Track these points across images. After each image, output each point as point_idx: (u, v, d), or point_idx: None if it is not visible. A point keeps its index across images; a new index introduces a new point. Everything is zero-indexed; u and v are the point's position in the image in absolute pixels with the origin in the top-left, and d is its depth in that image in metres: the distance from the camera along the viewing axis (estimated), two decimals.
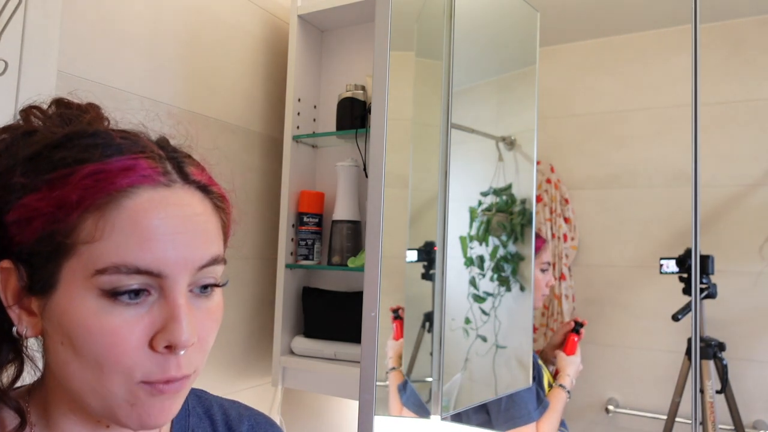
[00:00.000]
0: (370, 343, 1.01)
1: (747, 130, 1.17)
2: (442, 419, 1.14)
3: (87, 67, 1.19)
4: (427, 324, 1.20)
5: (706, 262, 1.12)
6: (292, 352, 1.61)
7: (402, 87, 1.19)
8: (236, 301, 1.61)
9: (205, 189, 0.49)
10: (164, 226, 0.43)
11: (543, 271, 1.27)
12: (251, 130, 1.66)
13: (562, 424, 1.19)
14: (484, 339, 1.22)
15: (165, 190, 0.45)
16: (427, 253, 1.20)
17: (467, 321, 1.20)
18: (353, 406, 1.63)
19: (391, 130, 1.10)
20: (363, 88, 1.61)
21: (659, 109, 1.26)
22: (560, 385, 1.21)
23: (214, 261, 0.47)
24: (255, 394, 1.67)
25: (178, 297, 0.44)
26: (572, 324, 1.25)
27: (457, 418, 1.18)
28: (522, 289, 1.27)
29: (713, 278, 1.12)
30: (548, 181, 1.36)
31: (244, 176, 1.64)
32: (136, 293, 0.43)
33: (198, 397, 0.62)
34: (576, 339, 1.23)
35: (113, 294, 0.42)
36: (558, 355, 1.23)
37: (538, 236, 1.30)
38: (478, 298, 1.21)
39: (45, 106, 0.51)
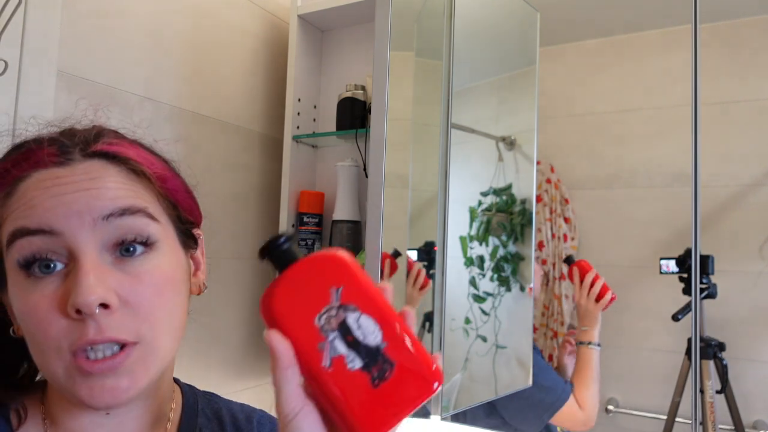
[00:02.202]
0: None
1: (747, 130, 1.17)
2: (442, 419, 1.14)
3: (87, 67, 1.19)
4: (427, 324, 1.19)
5: (706, 262, 1.12)
6: None
7: (402, 87, 1.19)
8: (236, 301, 1.61)
9: (111, 156, 0.48)
10: (49, 191, 0.45)
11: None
12: (251, 130, 1.66)
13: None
14: (484, 339, 1.22)
15: (58, 168, 0.46)
16: (427, 253, 1.20)
17: (467, 321, 1.20)
18: None
19: (391, 130, 1.10)
20: (363, 88, 1.61)
21: (659, 109, 1.26)
22: (588, 344, 1.17)
23: (125, 211, 0.46)
24: (255, 394, 1.67)
25: (83, 259, 0.43)
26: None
27: (457, 418, 1.18)
28: (522, 289, 1.27)
29: (713, 278, 1.12)
30: (548, 181, 1.36)
31: (244, 176, 1.64)
32: (48, 265, 0.44)
33: (208, 399, 0.62)
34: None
35: (27, 266, 0.44)
36: (589, 304, 1.19)
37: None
38: (478, 298, 1.21)
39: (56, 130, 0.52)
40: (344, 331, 0.40)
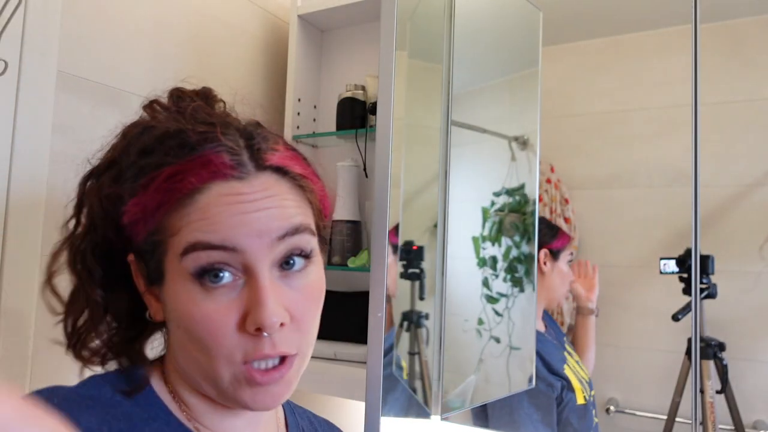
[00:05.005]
0: (376, 343, 1.00)
1: (747, 130, 1.18)
2: (442, 419, 1.14)
3: (87, 67, 1.18)
4: (405, 323, 1.19)
5: (706, 261, 1.12)
6: None
7: (402, 87, 1.18)
8: None
9: (282, 170, 0.50)
10: (232, 209, 0.46)
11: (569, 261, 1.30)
12: None
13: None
14: (498, 340, 1.22)
15: (236, 182, 0.47)
16: (407, 252, 1.20)
17: (480, 322, 1.20)
18: (354, 406, 1.63)
19: (395, 130, 1.10)
20: (363, 88, 1.61)
21: (659, 109, 1.26)
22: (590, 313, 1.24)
23: (297, 230, 0.48)
24: None
25: (262, 279, 0.46)
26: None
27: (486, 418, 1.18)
28: (535, 289, 1.26)
29: (713, 278, 1.12)
30: (548, 181, 1.36)
31: None
32: (217, 275, 0.46)
33: (304, 410, 0.68)
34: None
35: (199, 275, 0.45)
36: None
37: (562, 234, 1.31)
38: (491, 299, 1.21)
39: (164, 99, 0.54)
40: None
